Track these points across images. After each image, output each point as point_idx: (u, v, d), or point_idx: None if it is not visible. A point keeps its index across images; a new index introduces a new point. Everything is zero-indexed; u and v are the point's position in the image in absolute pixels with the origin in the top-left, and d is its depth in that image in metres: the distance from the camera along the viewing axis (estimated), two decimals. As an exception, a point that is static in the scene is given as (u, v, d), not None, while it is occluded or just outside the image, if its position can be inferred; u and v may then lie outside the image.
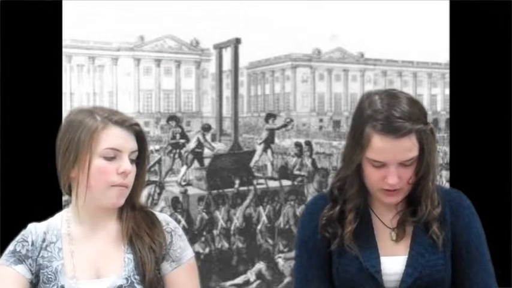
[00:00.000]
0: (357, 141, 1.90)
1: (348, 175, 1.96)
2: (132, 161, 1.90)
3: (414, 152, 1.89)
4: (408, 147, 1.88)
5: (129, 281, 1.88)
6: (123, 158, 1.87)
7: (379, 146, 1.87)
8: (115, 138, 1.87)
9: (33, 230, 1.95)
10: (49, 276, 1.89)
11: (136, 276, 1.89)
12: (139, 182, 1.93)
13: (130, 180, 1.88)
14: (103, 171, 1.86)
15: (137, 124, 1.91)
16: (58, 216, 1.99)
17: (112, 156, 1.87)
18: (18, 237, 1.95)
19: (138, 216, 1.94)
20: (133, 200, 1.94)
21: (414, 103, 1.92)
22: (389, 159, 1.87)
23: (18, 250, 1.92)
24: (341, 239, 1.97)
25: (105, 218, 1.93)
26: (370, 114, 1.89)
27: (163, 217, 2.00)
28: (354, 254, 1.96)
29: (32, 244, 1.92)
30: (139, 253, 1.89)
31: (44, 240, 1.93)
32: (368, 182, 1.93)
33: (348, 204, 1.97)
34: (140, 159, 1.91)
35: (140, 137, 1.91)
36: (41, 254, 1.91)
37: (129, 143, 1.89)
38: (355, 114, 1.95)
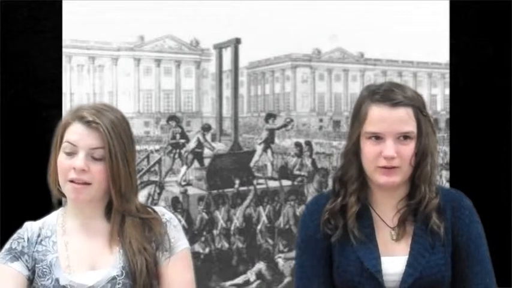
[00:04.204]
0: (356, 117, 1.96)
1: (347, 152, 1.98)
2: (97, 159, 1.88)
3: (411, 127, 1.92)
4: (404, 118, 1.92)
5: (124, 272, 1.88)
6: (79, 154, 1.87)
7: (376, 115, 1.91)
8: (73, 133, 1.88)
9: (29, 227, 1.96)
10: (44, 270, 1.90)
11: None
12: (113, 182, 1.88)
13: (91, 177, 1.87)
14: (60, 166, 1.88)
15: (95, 122, 1.88)
16: (55, 213, 2.00)
17: (70, 151, 1.87)
18: (14, 236, 1.96)
19: (128, 222, 1.92)
20: (116, 203, 1.91)
21: (415, 92, 1.99)
22: (386, 129, 1.90)
23: (14, 247, 1.93)
24: (343, 230, 1.98)
25: (91, 215, 1.94)
26: (370, 91, 1.96)
27: (159, 209, 2.01)
28: (354, 250, 1.96)
29: (28, 240, 1.93)
30: (129, 258, 1.88)
31: (39, 235, 1.94)
32: (366, 161, 1.95)
33: (349, 188, 1.98)
34: (108, 157, 1.88)
35: (105, 135, 1.88)
36: (36, 249, 1.92)
37: (87, 140, 1.87)
38: (356, 101, 2.00)
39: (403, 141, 1.93)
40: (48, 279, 1.89)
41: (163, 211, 2.00)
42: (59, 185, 1.93)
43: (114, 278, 1.87)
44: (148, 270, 1.88)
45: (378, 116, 1.92)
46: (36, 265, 1.91)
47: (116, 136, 1.88)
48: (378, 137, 1.92)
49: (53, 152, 1.93)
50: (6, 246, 1.95)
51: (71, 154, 1.87)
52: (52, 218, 1.98)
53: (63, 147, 1.89)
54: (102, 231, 1.93)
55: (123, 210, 1.91)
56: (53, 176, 1.93)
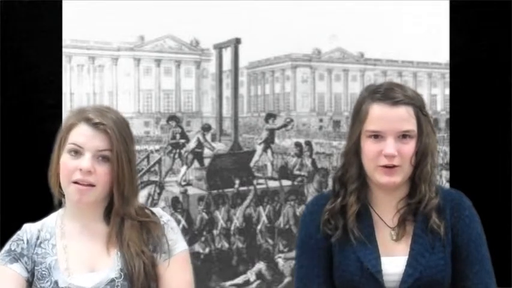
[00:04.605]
0: (356, 116, 1.96)
1: (348, 151, 1.98)
2: (102, 161, 1.89)
3: (411, 125, 1.93)
4: (405, 116, 1.92)
5: (122, 275, 1.89)
6: (85, 155, 1.87)
7: (377, 113, 1.92)
8: (79, 134, 1.89)
9: (28, 229, 1.96)
10: (43, 272, 1.90)
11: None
12: (117, 184, 1.89)
13: (96, 179, 1.87)
14: (65, 167, 1.88)
15: (103, 124, 1.89)
16: (53, 215, 2.00)
17: (75, 152, 1.87)
18: (14, 237, 1.97)
19: (127, 225, 1.93)
20: (118, 206, 1.92)
21: (415, 91, 2.00)
22: (387, 128, 1.91)
23: (13, 249, 1.93)
24: (343, 230, 1.98)
25: (90, 217, 1.94)
26: (370, 90, 1.96)
27: (157, 211, 2.01)
28: (354, 250, 1.96)
29: (27, 242, 1.94)
30: (127, 260, 1.89)
31: (38, 238, 1.94)
32: (366, 160, 1.95)
33: (349, 187, 1.99)
34: (114, 159, 1.89)
35: (113, 137, 1.89)
36: (35, 251, 1.92)
37: (93, 142, 1.88)
38: (356, 101, 2.00)
39: (403, 140, 1.93)
40: (47, 282, 1.89)
41: (161, 213, 2.00)
42: (60, 186, 1.93)
43: (112, 280, 1.88)
44: (146, 273, 1.88)
45: (379, 114, 1.92)
46: (36, 267, 1.91)
47: (121, 138, 1.89)
48: (378, 136, 1.93)
49: (55, 153, 1.93)
50: (6, 247, 1.95)
51: (76, 155, 1.87)
52: (51, 220, 1.98)
53: (68, 148, 1.88)
54: (101, 233, 1.94)
55: (123, 213, 1.91)
56: (55, 176, 1.93)
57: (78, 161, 1.87)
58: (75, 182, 1.87)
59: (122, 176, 1.89)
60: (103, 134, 1.88)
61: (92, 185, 1.87)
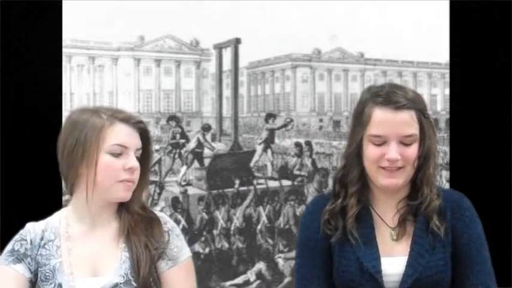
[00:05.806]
0: (358, 119, 1.95)
1: (349, 154, 1.98)
2: (136, 158, 1.92)
3: (414, 129, 1.92)
4: (408, 121, 1.92)
5: (126, 279, 1.89)
6: (130, 154, 1.90)
7: (380, 118, 1.91)
8: (121, 135, 1.90)
9: (32, 229, 1.95)
10: (47, 274, 1.90)
11: (133, 274, 1.89)
12: (141, 181, 1.94)
13: (136, 176, 1.92)
14: (110, 167, 1.88)
15: (142, 122, 1.95)
16: (57, 215, 1.99)
17: (119, 152, 1.89)
18: (17, 237, 1.95)
19: (136, 216, 1.95)
20: (133, 200, 1.94)
21: (416, 93, 1.99)
22: (390, 132, 1.90)
23: (16, 249, 1.92)
24: (342, 230, 1.98)
25: (106, 216, 1.95)
26: (372, 93, 1.95)
27: (162, 216, 2.01)
28: (354, 251, 1.96)
29: (31, 243, 1.93)
30: (135, 249, 1.90)
31: (42, 239, 1.94)
32: (368, 162, 1.95)
33: (350, 189, 1.99)
34: (143, 157, 1.94)
35: (144, 135, 1.94)
36: (39, 252, 1.92)
37: (134, 140, 1.92)
38: (357, 102, 2.00)
39: (406, 144, 1.92)
40: (51, 284, 1.89)
41: (165, 219, 2.00)
42: (72, 188, 1.93)
43: (116, 285, 1.88)
44: (150, 266, 1.89)
45: (382, 118, 1.91)
46: (39, 269, 1.91)
47: None
48: (381, 140, 1.92)
49: (87, 155, 1.87)
50: (9, 247, 1.94)
51: (118, 155, 1.89)
52: (55, 221, 1.98)
53: (110, 149, 1.88)
54: (111, 231, 1.94)
55: (133, 210, 1.93)
56: (80, 177, 1.90)
57: (122, 161, 1.89)
58: (122, 181, 1.88)
59: (147, 173, 1.95)
60: (138, 133, 1.92)
61: (133, 182, 1.90)
